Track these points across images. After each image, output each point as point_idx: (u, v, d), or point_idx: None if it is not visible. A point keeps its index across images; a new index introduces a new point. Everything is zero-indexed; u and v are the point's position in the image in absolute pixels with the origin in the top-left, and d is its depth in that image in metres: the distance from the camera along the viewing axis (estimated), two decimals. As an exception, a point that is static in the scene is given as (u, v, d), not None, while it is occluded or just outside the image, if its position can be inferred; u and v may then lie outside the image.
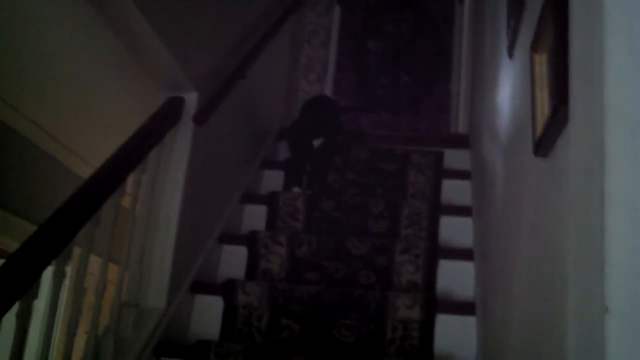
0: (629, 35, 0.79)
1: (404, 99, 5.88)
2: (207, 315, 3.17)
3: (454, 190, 4.00)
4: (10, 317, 2.02)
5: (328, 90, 5.81)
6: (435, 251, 3.36)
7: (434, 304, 3.03)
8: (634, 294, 0.73)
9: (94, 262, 2.70)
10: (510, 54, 2.18)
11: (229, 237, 3.57)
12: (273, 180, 4.22)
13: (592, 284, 0.79)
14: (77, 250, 2.47)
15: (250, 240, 3.47)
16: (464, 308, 3.05)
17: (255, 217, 3.83)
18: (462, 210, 3.69)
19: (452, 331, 3.01)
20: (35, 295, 2.16)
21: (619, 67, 0.78)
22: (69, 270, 4.16)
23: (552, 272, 1.26)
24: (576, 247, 0.92)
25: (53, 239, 2.21)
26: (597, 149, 0.79)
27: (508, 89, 2.25)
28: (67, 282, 4.36)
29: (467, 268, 3.28)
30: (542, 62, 1.45)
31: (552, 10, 1.29)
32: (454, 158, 4.28)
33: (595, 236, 0.78)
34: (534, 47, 1.50)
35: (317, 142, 3.96)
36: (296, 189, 3.98)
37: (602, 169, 0.77)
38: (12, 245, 4.18)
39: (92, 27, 3.25)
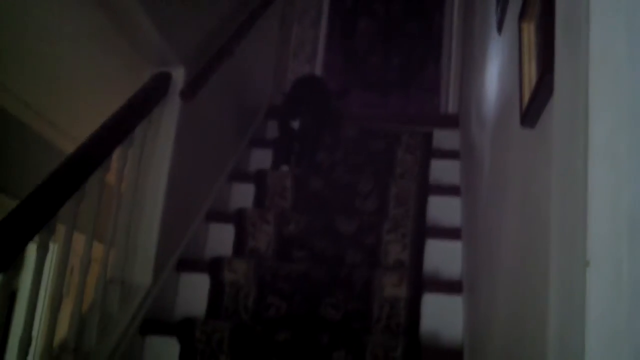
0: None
1: (394, 79, 5.85)
2: (194, 293, 3.16)
3: (442, 170, 3.98)
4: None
5: (317, 70, 5.77)
6: (423, 230, 3.35)
7: (420, 282, 3.03)
8: (615, 248, 0.72)
9: (79, 240, 2.67)
10: (500, 29, 2.17)
11: (217, 215, 3.55)
12: (262, 158, 4.20)
13: (574, 239, 0.78)
14: (61, 228, 2.44)
15: (238, 218, 3.45)
16: (451, 287, 3.05)
17: (243, 195, 3.81)
18: (451, 190, 3.68)
19: (438, 310, 3.01)
20: (18, 270, 2.14)
21: (604, 14, 0.77)
22: (53, 246, 4.15)
23: (536, 237, 1.26)
24: (559, 202, 0.91)
25: (36, 213, 2.18)
26: (582, 98, 0.78)
27: (497, 65, 2.24)
28: (52, 260, 4.35)
29: (454, 247, 3.28)
30: (530, 31, 1.44)
31: (540, -24, 1.27)
32: (444, 138, 4.27)
33: (578, 190, 0.77)
34: (522, 16, 1.49)
35: (305, 121, 3.93)
36: (285, 168, 3.96)
37: (586, 120, 0.75)
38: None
39: (78, 2, 3.21)
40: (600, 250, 0.72)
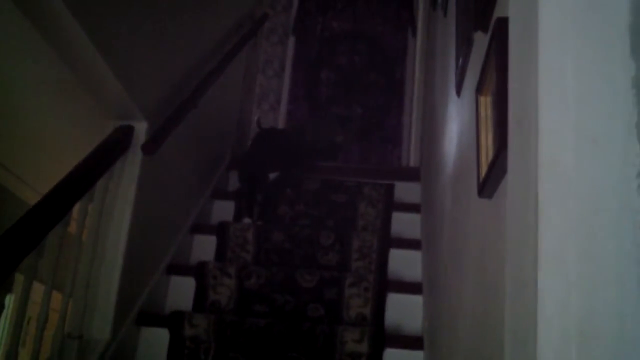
0: (562, 91, 0.81)
1: (357, 129, 5.91)
2: (153, 348, 3.12)
3: (404, 223, 4.01)
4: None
5: (281, 119, 5.82)
6: (385, 284, 3.36)
7: (382, 338, 3.03)
8: (565, 353, 0.74)
9: (38, 290, 2.64)
10: (459, 92, 2.21)
11: (178, 268, 3.52)
12: (224, 210, 4.19)
13: (525, 343, 0.80)
14: (19, 278, 2.41)
15: (199, 271, 3.43)
16: (412, 342, 3.05)
17: (204, 247, 3.79)
18: (412, 244, 3.71)
19: (400, 365, 3.01)
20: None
21: (552, 121, 0.80)
22: (9, 300, 4.08)
23: (494, 313, 1.27)
24: (511, 301, 0.92)
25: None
26: (532, 202, 0.80)
27: (456, 126, 2.27)
28: (8, 311, 4.27)
29: (416, 301, 3.29)
30: (486, 104, 1.47)
31: (495, 57, 1.31)
32: (405, 191, 4.31)
33: (528, 293, 0.79)
34: (479, 90, 1.52)
35: (270, 175, 3.95)
36: (247, 220, 3.96)
37: (536, 224, 0.78)
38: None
39: (42, 55, 3.21)
40: (550, 355, 0.73)
